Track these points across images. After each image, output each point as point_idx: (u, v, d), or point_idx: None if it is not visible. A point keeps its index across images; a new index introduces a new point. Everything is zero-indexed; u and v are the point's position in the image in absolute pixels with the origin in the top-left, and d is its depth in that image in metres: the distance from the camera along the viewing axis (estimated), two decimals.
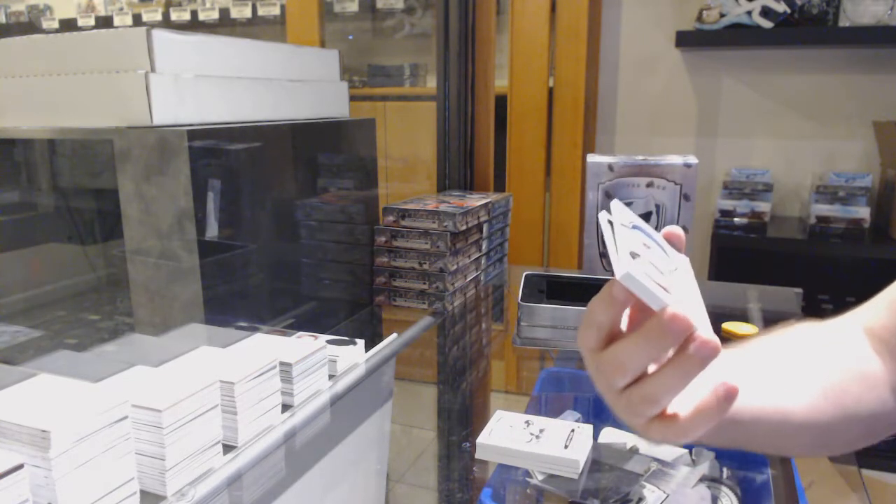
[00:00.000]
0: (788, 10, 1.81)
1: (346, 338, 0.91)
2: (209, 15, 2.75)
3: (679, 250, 0.44)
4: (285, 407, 0.74)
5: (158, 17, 2.85)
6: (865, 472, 0.71)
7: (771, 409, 0.45)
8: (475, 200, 1.39)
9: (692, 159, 1.31)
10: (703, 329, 0.36)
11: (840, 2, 1.81)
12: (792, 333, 0.53)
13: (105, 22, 2.97)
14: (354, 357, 0.89)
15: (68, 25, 3.03)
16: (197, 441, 0.62)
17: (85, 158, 1.06)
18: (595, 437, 0.73)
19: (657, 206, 1.33)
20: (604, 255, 1.34)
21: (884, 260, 1.72)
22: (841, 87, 1.95)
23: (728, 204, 1.93)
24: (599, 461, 0.69)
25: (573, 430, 0.72)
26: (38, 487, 0.51)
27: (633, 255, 0.38)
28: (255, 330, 0.83)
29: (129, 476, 0.57)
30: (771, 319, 1.15)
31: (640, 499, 0.63)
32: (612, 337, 0.39)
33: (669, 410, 0.38)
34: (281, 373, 0.73)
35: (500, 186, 1.90)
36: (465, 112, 1.76)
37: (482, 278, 1.40)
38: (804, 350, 0.51)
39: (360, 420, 0.83)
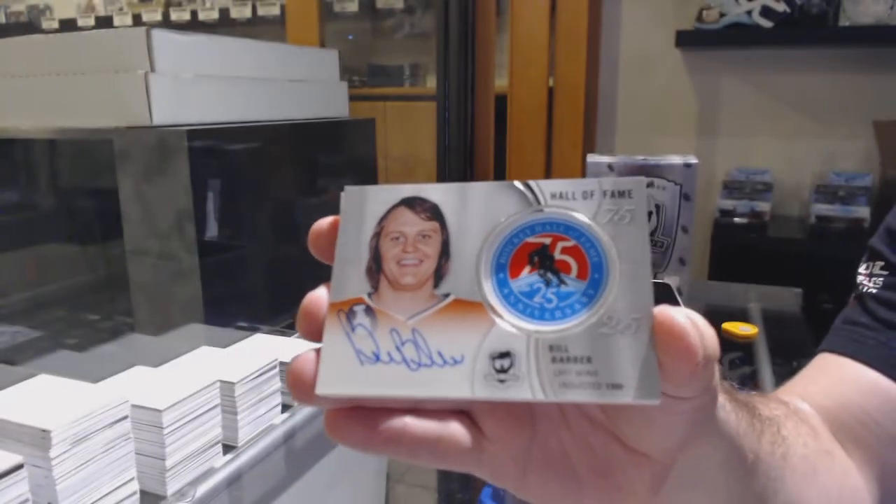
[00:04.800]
0: (788, 10, 1.81)
1: None
2: (209, 15, 2.75)
3: None
4: (285, 407, 0.74)
5: (158, 17, 2.84)
6: None
7: None
8: None
9: (692, 159, 1.30)
10: None
11: (840, 1, 1.80)
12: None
13: (105, 22, 2.97)
14: None
15: (68, 25, 3.03)
16: (197, 441, 0.62)
17: (85, 158, 1.06)
18: None
19: (657, 206, 1.32)
20: None
21: None
22: (841, 87, 1.94)
23: (728, 204, 1.92)
24: None
25: None
26: (38, 487, 0.51)
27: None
28: (254, 330, 0.83)
29: (129, 476, 0.57)
30: (771, 319, 1.15)
31: None
32: None
33: None
34: (281, 373, 0.72)
35: None
36: (465, 112, 1.76)
37: None
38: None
39: None
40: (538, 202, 0.26)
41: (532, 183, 0.26)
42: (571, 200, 0.25)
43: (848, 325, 0.52)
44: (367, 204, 0.27)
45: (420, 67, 2.61)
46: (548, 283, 0.25)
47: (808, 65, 1.96)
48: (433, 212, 0.26)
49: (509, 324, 0.24)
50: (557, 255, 0.25)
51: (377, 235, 0.26)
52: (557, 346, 0.23)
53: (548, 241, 0.25)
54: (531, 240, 0.25)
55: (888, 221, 0.53)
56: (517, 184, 0.26)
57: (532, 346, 0.24)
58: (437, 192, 0.26)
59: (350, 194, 0.27)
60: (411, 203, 0.26)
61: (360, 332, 0.25)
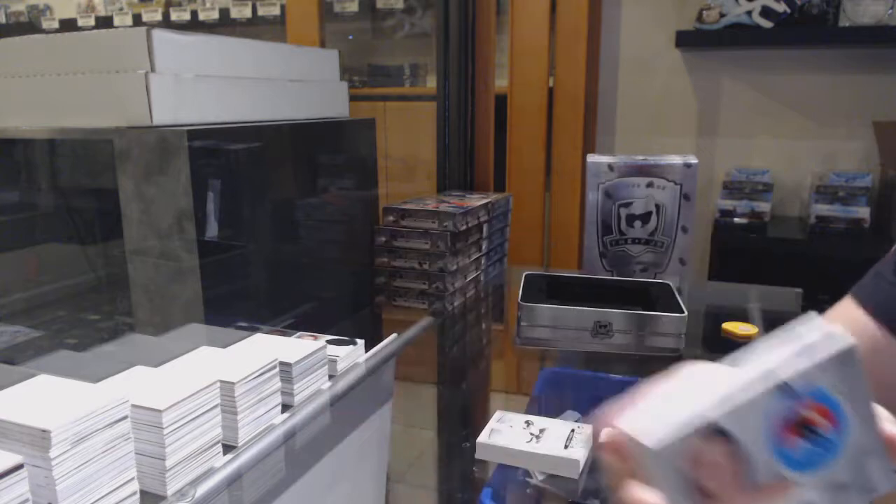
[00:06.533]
0: (788, 10, 1.81)
1: (347, 338, 0.91)
2: (209, 15, 2.75)
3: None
4: (285, 407, 0.74)
5: (158, 17, 2.85)
6: None
7: None
8: (475, 200, 1.39)
9: (692, 159, 1.31)
10: None
11: (840, 2, 1.80)
12: None
13: (105, 22, 2.97)
14: (354, 357, 0.89)
15: (68, 25, 3.03)
16: (197, 441, 0.62)
17: (85, 158, 1.06)
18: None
19: (657, 206, 1.33)
20: (603, 254, 1.34)
21: None
22: (841, 87, 1.95)
23: (728, 204, 1.93)
24: (599, 461, 0.69)
25: (573, 430, 0.72)
26: (38, 487, 0.51)
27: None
28: (255, 330, 0.83)
29: (129, 476, 0.57)
30: (771, 319, 1.15)
31: None
32: None
33: None
34: (281, 373, 0.72)
35: (500, 186, 1.90)
36: (465, 112, 1.76)
37: (482, 278, 1.40)
38: None
39: (360, 420, 0.83)
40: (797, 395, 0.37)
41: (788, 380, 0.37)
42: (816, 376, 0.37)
43: (873, 277, 0.64)
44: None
45: (420, 67, 2.61)
46: (813, 443, 0.37)
47: (808, 65, 1.96)
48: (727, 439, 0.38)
49: (808, 485, 0.37)
50: (813, 417, 0.37)
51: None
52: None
53: (809, 413, 0.37)
54: (795, 416, 0.37)
55: None
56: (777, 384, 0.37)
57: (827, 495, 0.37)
58: (725, 420, 0.38)
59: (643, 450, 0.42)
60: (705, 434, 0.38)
61: None
